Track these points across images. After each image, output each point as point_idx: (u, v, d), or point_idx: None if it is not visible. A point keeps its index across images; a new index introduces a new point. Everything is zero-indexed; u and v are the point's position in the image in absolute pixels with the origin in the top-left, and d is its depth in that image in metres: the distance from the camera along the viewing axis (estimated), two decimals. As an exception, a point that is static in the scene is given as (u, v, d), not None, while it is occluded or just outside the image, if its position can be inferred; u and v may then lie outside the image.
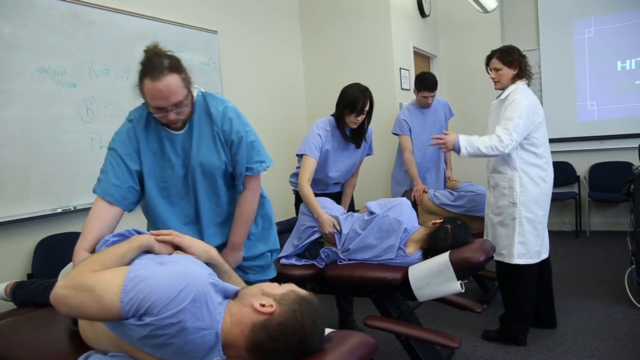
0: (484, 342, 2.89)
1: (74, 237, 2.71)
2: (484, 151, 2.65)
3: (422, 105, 3.80)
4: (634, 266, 3.28)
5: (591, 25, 5.43)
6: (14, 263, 2.54)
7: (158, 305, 1.15)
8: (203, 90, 1.93)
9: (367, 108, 2.83)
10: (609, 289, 3.58)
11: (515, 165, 2.74)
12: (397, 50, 4.59)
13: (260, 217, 2.10)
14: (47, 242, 2.60)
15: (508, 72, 2.81)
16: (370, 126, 3.02)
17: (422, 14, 5.25)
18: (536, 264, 2.79)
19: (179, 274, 1.23)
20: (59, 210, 2.67)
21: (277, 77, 4.57)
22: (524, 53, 2.86)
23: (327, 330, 1.36)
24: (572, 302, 3.41)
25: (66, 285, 1.25)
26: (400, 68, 4.61)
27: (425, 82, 3.70)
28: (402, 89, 4.59)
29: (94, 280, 1.23)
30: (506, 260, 2.78)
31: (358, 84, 2.91)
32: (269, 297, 1.24)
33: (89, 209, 2.77)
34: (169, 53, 1.71)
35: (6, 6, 2.49)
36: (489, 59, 2.90)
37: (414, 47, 5.00)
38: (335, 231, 2.57)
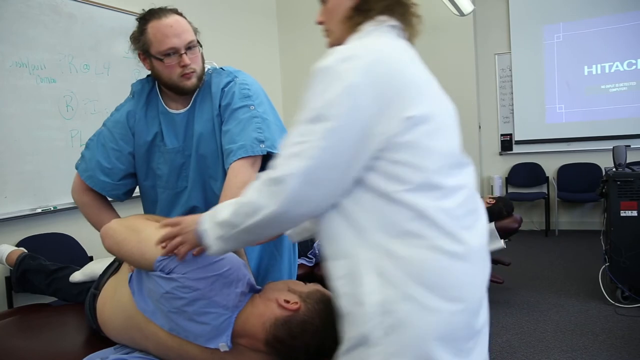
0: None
1: (55, 237, 2.65)
2: None
3: None
4: (608, 264, 3.39)
5: (560, 31, 5.60)
6: (-9, 265, 2.41)
7: (190, 266, 1.18)
8: (216, 66, 1.66)
9: None
10: (583, 286, 3.69)
11: None
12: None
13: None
14: (26, 243, 2.49)
15: None
16: None
17: (399, 15, 5.29)
18: None
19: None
20: (39, 211, 2.57)
21: (254, 76, 4.52)
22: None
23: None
24: (548, 299, 3.50)
25: (120, 222, 1.36)
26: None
27: None
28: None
29: (143, 225, 1.32)
30: None
31: None
32: (294, 294, 1.24)
33: (69, 209, 2.74)
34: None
35: (-17, -4, 2.38)
36: None
37: (390, 48, 5.03)
38: None
